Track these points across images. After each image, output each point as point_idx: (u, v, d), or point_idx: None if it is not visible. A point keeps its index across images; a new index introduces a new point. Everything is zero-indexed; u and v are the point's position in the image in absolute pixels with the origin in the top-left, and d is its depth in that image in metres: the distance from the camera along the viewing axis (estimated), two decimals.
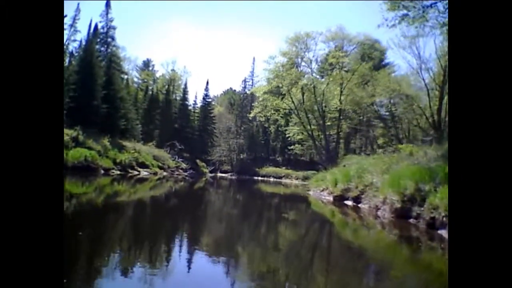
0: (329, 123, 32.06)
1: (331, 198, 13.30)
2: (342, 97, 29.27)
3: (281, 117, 55.32)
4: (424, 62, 25.63)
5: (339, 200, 12.42)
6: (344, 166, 16.15)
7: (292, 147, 51.93)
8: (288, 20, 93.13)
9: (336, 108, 29.80)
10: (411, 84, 34.42)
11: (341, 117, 31.80)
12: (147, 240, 5.69)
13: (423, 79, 25.97)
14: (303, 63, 31.22)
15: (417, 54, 25.50)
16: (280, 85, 30.72)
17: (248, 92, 63.05)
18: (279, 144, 59.91)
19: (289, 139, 50.06)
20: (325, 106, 31.02)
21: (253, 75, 62.10)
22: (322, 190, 14.98)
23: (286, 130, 44.16)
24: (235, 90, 75.57)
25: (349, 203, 11.79)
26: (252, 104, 61.91)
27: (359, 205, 11.17)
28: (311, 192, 16.86)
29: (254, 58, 79.21)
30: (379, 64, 35.78)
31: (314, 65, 31.89)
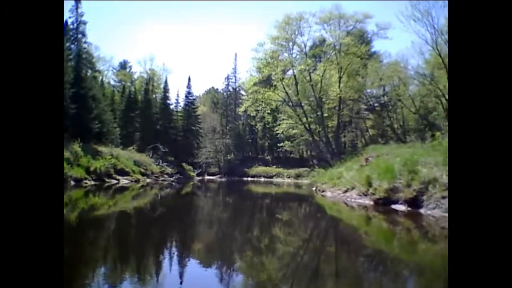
0: (326, 114, 28.96)
1: (366, 201, 10.30)
2: (342, 84, 26.11)
3: (268, 113, 53.03)
4: (440, 34, 22.78)
5: (383, 204, 9.41)
6: (367, 160, 13.36)
7: (281, 144, 49.77)
8: (270, 10, 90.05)
9: (336, 96, 26.57)
10: (407, 68, 32.27)
11: (341, 106, 28.61)
12: (134, 257, 5.04)
13: (440, 55, 23.29)
14: (296, 48, 27.96)
15: (431, 25, 22.62)
16: (273, 73, 27.48)
17: (231, 89, 60.45)
18: (267, 142, 57.63)
19: (277, 136, 47.78)
20: (323, 95, 27.89)
21: (235, 71, 59.79)
22: (346, 191, 12.01)
23: (277, 125, 41.25)
24: (217, 89, 73.29)
25: (401, 208, 8.75)
26: (237, 102, 59.70)
27: (420, 210, 8.21)
28: (328, 194, 13.80)
29: (236, 54, 76.62)
30: (368, 52, 32.88)
31: (309, 50, 28.48)
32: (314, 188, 18.19)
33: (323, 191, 14.56)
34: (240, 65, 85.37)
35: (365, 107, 38.67)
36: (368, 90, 35.91)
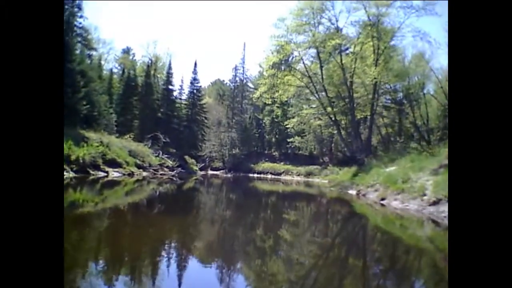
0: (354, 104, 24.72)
1: None
2: (378, 67, 21.88)
3: (278, 106, 48.91)
4: None
5: None
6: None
7: (291, 139, 46.13)
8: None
9: (372, 81, 22.35)
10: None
11: (376, 94, 24.33)
12: (127, 260, 4.48)
13: None
14: (324, 23, 23.50)
15: None
16: (296, 51, 23.33)
17: (239, 80, 56.60)
18: (275, 137, 54.01)
19: (286, 131, 44.13)
20: (355, 80, 23.67)
21: (244, 62, 55.99)
22: (436, 203, 7.82)
23: (288, 118, 37.19)
24: (223, 81, 70.04)
25: None
26: (244, 94, 55.86)
27: None
28: (394, 203, 9.75)
29: (244, 44, 73.08)
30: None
31: (341, 24, 23.93)
32: (354, 192, 14.24)
33: (382, 199, 10.48)
34: (248, 57, 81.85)
35: (381, 103, 35.27)
36: (390, 85, 32.45)
